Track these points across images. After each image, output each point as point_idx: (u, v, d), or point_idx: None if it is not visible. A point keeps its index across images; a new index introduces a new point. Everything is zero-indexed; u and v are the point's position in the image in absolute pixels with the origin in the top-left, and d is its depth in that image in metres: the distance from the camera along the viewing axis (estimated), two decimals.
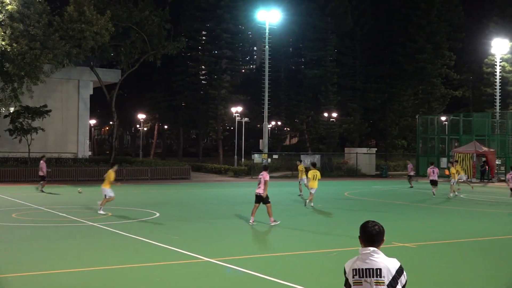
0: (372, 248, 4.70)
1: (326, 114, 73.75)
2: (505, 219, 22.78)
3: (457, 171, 34.01)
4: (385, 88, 74.51)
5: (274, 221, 19.13)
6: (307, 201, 25.23)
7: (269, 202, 18.93)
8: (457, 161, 40.89)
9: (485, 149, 50.40)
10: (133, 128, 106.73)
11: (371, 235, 4.73)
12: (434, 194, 32.38)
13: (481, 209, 26.09)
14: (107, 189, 22.02)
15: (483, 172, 50.46)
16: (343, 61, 74.25)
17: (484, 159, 50.43)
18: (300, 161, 34.02)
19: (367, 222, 4.84)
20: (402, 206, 26.90)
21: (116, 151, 61.25)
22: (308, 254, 14.30)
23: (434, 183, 32.89)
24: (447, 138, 57.54)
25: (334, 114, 73.59)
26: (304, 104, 75.88)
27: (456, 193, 33.20)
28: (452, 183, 32.95)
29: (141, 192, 33.27)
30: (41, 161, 32.41)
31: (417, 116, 62.58)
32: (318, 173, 24.92)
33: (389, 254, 4.88)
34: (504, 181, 47.27)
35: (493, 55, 62.19)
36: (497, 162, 51.06)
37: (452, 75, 76.36)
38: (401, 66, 73.95)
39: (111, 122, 79.54)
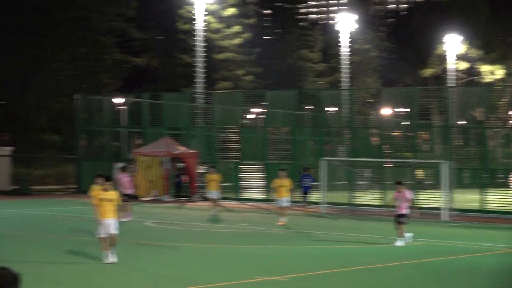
0: None
1: None
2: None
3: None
4: (27, 49, 71.08)
5: None
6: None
7: None
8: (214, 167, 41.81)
9: (182, 149, 49.39)
10: None
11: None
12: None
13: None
14: None
15: (179, 186, 49.93)
16: None
17: (181, 165, 50.60)
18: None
19: None
20: (53, 241, 26.51)
21: None
22: None
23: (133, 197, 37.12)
24: (125, 132, 57.10)
25: None
26: None
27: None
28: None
29: None
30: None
31: (75, 96, 59.03)
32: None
33: None
34: (206, 199, 47.49)
35: (192, 4, 62.87)
36: (200, 171, 50.45)
37: (131, 32, 77.56)
38: (50, 14, 71.02)
39: None
